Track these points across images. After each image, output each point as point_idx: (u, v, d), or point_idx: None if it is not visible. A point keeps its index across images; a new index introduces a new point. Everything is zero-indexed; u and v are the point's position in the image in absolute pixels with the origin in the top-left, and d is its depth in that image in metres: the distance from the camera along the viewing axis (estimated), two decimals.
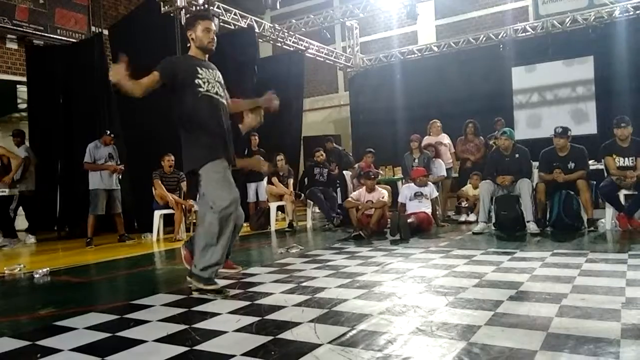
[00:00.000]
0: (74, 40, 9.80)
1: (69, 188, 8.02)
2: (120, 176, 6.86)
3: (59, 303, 3.28)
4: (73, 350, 2.25)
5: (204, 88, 3.10)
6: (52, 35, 9.67)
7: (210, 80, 3.16)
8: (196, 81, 3.08)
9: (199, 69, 3.12)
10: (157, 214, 6.84)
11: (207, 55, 3.27)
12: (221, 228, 3.06)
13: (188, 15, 3.34)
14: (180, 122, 3.16)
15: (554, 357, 1.85)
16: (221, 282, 3.53)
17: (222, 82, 3.30)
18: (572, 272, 3.29)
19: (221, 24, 8.16)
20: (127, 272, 4.72)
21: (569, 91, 9.88)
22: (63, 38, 9.79)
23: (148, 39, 7.72)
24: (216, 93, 3.18)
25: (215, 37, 3.22)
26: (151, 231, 6.86)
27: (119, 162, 6.86)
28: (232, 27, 8.74)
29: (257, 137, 8.01)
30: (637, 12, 9.14)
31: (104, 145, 6.71)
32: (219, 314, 2.72)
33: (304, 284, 3.38)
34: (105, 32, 9.31)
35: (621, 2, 9.51)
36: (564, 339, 2.05)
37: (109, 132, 6.80)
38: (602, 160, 5.62)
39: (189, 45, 3.30)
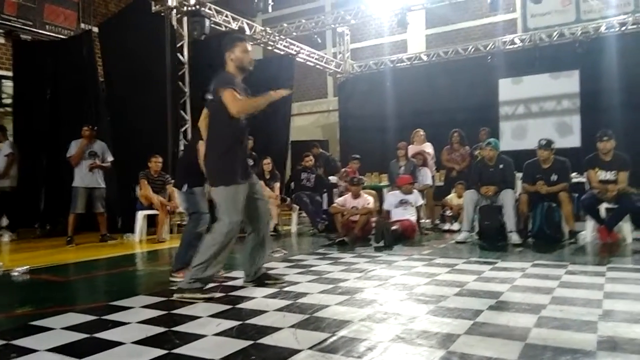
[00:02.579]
0: (62, 36, 9.71)
1: (53, 185, 7.92)
2: (100, 172, 6.74)
3: (36, 302, 3.24)
4: (49, 350, 2.22)
5: (243, 115, 3.26)
6: (40, 31, 9.56)
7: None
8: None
9: (240, 90, 3.24)
10: (141, 214, 6.77)
11: (243, 76, 3.37)
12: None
13: (226, 37, 3.45)
14: (220, 137, 3.26)
15: None
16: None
17: None
18: (552, 284, 3.33)
19: (212, 25, 8.14)
20: (107, 272, 4.67)
21: (554, 104, 10.03)
22: (52, 34, 9.69)
23: (138, 37, 7.70)
24: (246, 118, 3.33)
25: (252, 58, 3.38)
26: (134, 232, 6.79)
27: (107, 160, 6.78)
28: (223, 29, 8.73)
29: (251, 141, 7.99)
30: (623, 28, 9.32)
31: (87, 140, 6.61)
32: (199, 317, 2.70)
33: (286, 288, 3.38)
34: (95, 29, 9.24)
35: (608, 17, 9.70)
36: (541, 349, 2.07)
37: (89, 126, 6.70)
38: (585, 173, 5.70)
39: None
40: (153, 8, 7.65)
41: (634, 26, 9.26)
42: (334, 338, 2.29)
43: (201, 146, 3.56)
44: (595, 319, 2.48)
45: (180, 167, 4.14)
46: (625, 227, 5.31)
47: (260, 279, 3.50)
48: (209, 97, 3.30)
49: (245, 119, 3.31)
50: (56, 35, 9.69)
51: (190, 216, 3.89)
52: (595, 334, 2.25)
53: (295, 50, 10.78)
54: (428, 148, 7.94)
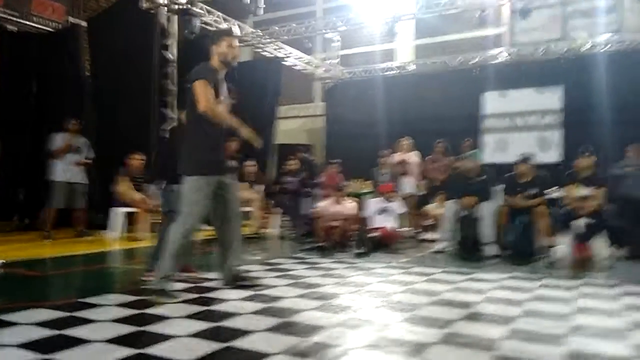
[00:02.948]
0: (50, 29, 9.59)
1: (34, 178, 7.79)
2: (82, 168, 6.67)
3: (8, 296, 3.19)
4: (16, 346, 2.20)
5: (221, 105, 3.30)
6: (27, 22, 9.42)
7: (225, 100, 3.37)
8: (221, 98, 3.29)
9: (220, 87, 3.30)
10: (120, 211, 6.70)
11: (226, 70, 3.40)
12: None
13: (213, 31, 3.53)
14: (199, 126, 3.26)
15: None
16: (177, 286, 3.51)
17: (228, 95, 3.48)
18: (525, 296, 3.37)
19: (201, 24, 8.12)
20: (82, 268, 4.62)
21: (537, 118, 10.17)
22: (39, 26, 9.56)
23: (127, 34, 7.65)
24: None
25: (238, 53, 3.44)
26: (112, 228, 6.71)
27: (89, 157, 6.71)
28: (213, 29, 8.70)
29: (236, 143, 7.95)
30: (607, 46, 9.51)
31: (70, 134, 6.53)
32: (172, 317, 2.69)
33: (262, 292, 3.37)
34: (84, 23, 9.14)
35: (593, 36, 9.89)
36: None
37: (71, 119, 6.62)
38: (564, 188, 5.79)
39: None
40: (143, 5, 7.60)
41: (618, 45, 9.46)
42: (307, 343, 2.29)
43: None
44: (565, 333, 2.52)
45: (159, 160, 3.99)
46: (600, 243, 5.40)
47: (234, 280, 3.48)
48: (188, 85, 3.31)
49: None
50: (43, 27, 9.56)
51: (166, 214, 3.80)
52: (564, 348, 2.28)
53: (284, 54, 10.79)
54: (413, 157, 8.00)
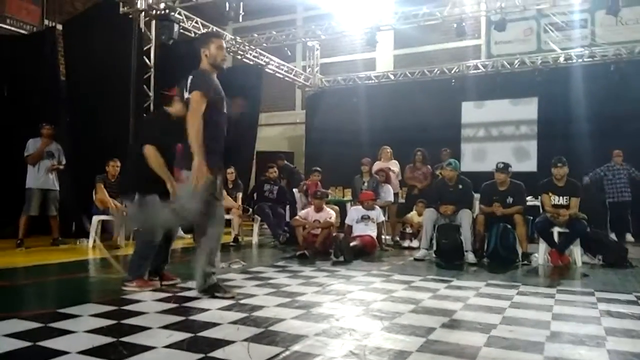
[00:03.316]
0: (24, 32, 9.40)
1: (5, 185, 7.59)
2: (55, 174, 6.53)
3: None
4: None
5: (224, 108, 3.35)
6: (1, 25, 9.23)
7: (225, 99, 3.38)
8: (224, 102, 3.33)
9: (221, 92, 3.33)
10: (96, 219, 6.57)
11: (216, 73, 3.40)
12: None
13: (201, 34, 3.54)
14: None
15: None
16: (156, 295, 3.45)
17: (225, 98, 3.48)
18: (504, 304, 3.41)
19: (180, 31, 8.07)
20: (57, 278, 4.51)
21: (513, 129, 10.38)
22: (13, 28, 9.36)
23: (104, 38, 7.56)
24: (227, 111, 3.42)
25: (226, 55, 3.48)
26: (88, 237, 6.58)
27: (62, 162, 6.58)
28: (192, 35, 8.66)
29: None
30: (580, 60, 9.78)
31: (47, 139, 6.40)
32: (149, 328, 2.63)
33: (242, 301, 3.33)
34: (59, 26, 9.00)
35: (567, 49, 10.16)
36: None
37: (45, 124, 6.49)
38: (539, 197, 5.90)
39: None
40: (121, 9, 7.53)
41: (590, 59, 9.74)
42: (287, 353, 2.27)
43: (148, 150, 3.56)
44: (542, 339, 2.55)
45: (133, 171, 3.80)
46: (576, 251, 5.51)
47: (209, 290, 3.41)
48: (187, 95, 3.28)
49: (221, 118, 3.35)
50: (18, 30, 9.38)
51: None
52: (542, 355, 2.31)
53: (264, 61, 10.80)
54: (394, 166, 8.06)
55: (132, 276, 3.63)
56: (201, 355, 2.20)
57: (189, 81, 3.25)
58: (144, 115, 3.59)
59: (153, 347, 2.30)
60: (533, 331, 2.72)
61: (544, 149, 9.55)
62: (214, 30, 8.64)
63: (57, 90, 7.91)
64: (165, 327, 2.66)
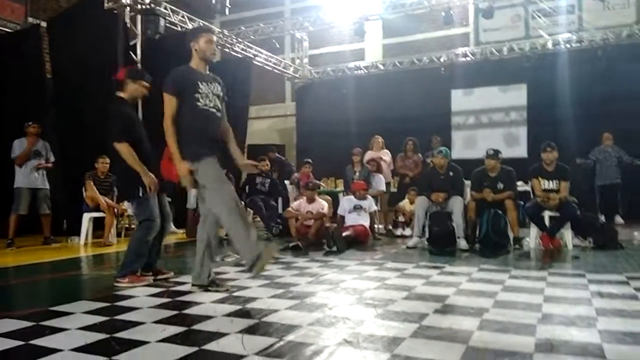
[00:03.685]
0: (8, 30, 9.25)
1: None
2: (44, 173, 6.48)
3: None
4: None
5: (202, 102, 3.28)
6: None
7: (209, 94, 3.32)
8: (196, 95, 3.26)
9: (199, 83, 3.29)
10: (87, 216, 6.53)
11: (207, 66, 3.43)
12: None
13: (191, 28, 3.58)
14: (181, 118, 3.29)
15: None
16: (149, 291, 3.44)
17: (221, 94, 3.44)
18: (496, 288, 3.43)
19: (167, 25, 7.99)
20: (49, 276, 4.47)
21: (502, 115, 10.42)
22: None
23: (89, 34, 7.46)
24: (213, 107, 3.34)
25: (215, 49, 3.42)
26: (79, 234, 6.54)
27: (50, 160, 6.53)
28: (178, 29, 8.58)
29: None
30: (568, 45, 9.81)
31: (33, 138, 6.34)
32: (143, 323, 2.62)
33: (235, 293, 3.33)
34: (44, 24, 8.88)
35: (554, 34, 10.18)
36: (482, 352, 2.13)
37: (30, 123, 6.42)
38: (530, 182, 5.94)
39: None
40: (106, 5, 7.44)
41: (578, 44, 9.77)
42: (281, 343, 2.28)
43: (120, 148, 3.54)
44: (534, 322, 2.58)
45: (128, 171, 3.64)
46: (566, 234, 5.56)
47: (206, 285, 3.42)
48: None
49: (212, 109, 3.33)
50: (2, 28, 9.23)
51: (140, 223, 3.72)
52: (534, 337, 2.33)
53: (252, 54, 10.73)
54: (385, 155, 8.06)
55: (125, 272, 3.62)
56: (195, 349, 2.20)
57: (165, 79, 3.31)
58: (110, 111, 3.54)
59: (147, 342, 2.29)
60: (525, 314, 2.74)
61: (534, 135, 9.61)
62: (204, 24, 8.56)
63: (43, 88, 7.83)
64: (159, 321, 2.65)
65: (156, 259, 3.91)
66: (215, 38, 3.43)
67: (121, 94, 3.74)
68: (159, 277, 3.83)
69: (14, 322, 2.66)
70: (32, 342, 2.32)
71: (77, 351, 2.19)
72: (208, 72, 3.45)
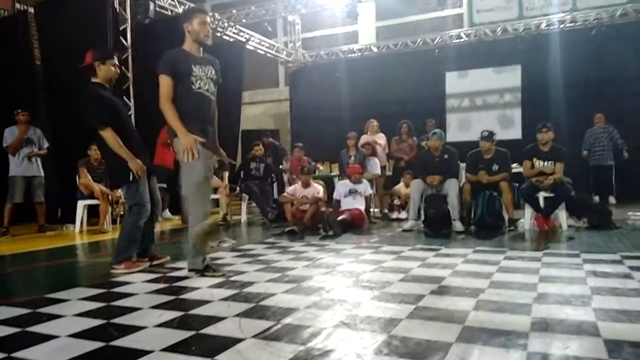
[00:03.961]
0: None
1: None
2: (38, 160, 6.43)
3: None
4: None
5: (196, 85, 3.26)
6: None
7: (203, 77, 3.29)
8: (191, 78, 3.23)
9: (193, 66, 3.25)
10: (81, 204, 6.50)
11: (201, 48, 3.38)
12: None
13: (184, 9, 3.50)
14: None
15: (468, 349, 1.94)
16: (145, 276, 3.44)
17: (215, 77, 3.42)
18: (491, 269, 3.45)
19: (157, 9, 7.88)
20: (44, 264, 4.47)
21: (497, 97, 10.40)
22: None
23: (78, 20, 7.34)
24: (207, 90, 3.33)
25: (210, 30, 3.31)
26: (74, 222, 6.52)
27: (43, 147, 6.47)
28: (168, 13, 8.46)
29: None
30: (562, 26, 9.75)
31: (23, 126, 6.28)
32: (140, 308, 2.63)
33: (232, 278, 3.34)
34: (31, 10, 8.72)
35: (549, 15, 10.12)
36: (478, 331, 2.15)
37: (19, 110, 6.35)
38: (523, 163, 5.94)
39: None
40: None
41: (572, 24, 9.71)
42: (279, 326, 2.28)
43: (105, 134, 3.51)
44: (529, 301, 2.60)
45: (116, 157, 3.58)
46: (561, 215, 5.58)
47: (201, 270, 3.43)
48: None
49: (206, 92, 3.32)
50: None
51: (130, 208, 3.69)
52: (529, 316, 2.35)
53: (245, 38, 10.62)
54: (380, 139, 8.04)
55: (120, 259, 3.61)
56: (193, 332, 2.21)
57: (158, 62, 3.28)
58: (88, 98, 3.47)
59: (144, 327, 2.30)
60: (520, 294, 2.76)
61: (528, 116, 9.60)
62: (197, 6, 8.45)
63: (33, 75, 7.72)
64: (156, 307, 2.66)
65: (151, 244, 3.91)
66: (209, 19, 3.38)
67: (95, 80, 3.66)
68: (155, 262, 3.83)
69: (11, 310, 2.66)
70: (29, 329, 2.32)
71: (74, 337, 2.19)
72: (202, 55, 3.40)
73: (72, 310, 2.62)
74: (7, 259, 4.68)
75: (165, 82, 3.20)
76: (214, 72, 3.40)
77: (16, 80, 7.54)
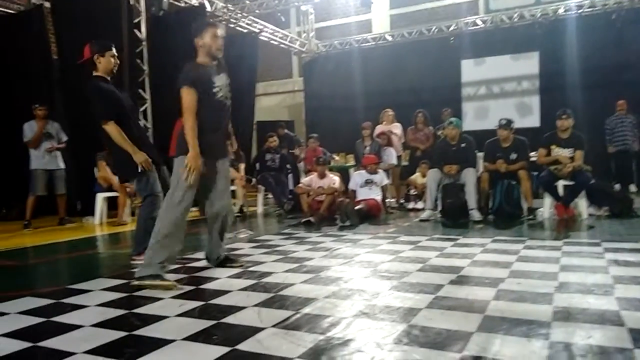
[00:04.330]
0: (11, 11, 9.20)
1: (7, 168, 7.60)
2: (58, 153, 6.52)
3: None
4: (4, 335, 2.15)
5: (218, 96, 3.23)
6: None
7: (222, 87, 3.27)
8: (214, 90, 3.20)
9: (212, 78, 3.21)
10: (100, 196, 6.59)
11: (214, 61, 3.29)
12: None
13: (196, 23, 3.37)
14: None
15: (489, 339, 1.92)
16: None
17: (228, 81, 3.37)
18: (510, 258, 3.42)
19: (170, 1, 7.89)
20: (66, 255, 4.54)
21: (514, 85, 10.24)
22: (0, 8, 9.17)
23: (93, 13, 7.39)
24: (226, 97, 3.31)
25: (222, 44, 3.25)
26: (93, 214, 6.61)
27: (62, 140, 6.56)
28: (182, 5, 8.47)
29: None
30: (580, 10, 9.55)
31: (42, 121, 6.36)
32: (161, 298, 2.66)
33: (251, 268, 3.36)
34: (47, 4, 8.80)
35: (566, 0, 9.91)
36: (499, 321, 2.13)
37: (37, 105, 6.43)
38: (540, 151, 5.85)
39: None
40: None
41: (591, 9, 9.51)
42: (298, 315, 2.29)
43: (109, 127, 3.47)
44: (551, 290, 2.57)
45: (121, 150, 3.55)
46: (581, 204, 5.51)
47: (221, 262, 3.46)
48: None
49: (225, 100, 3.29)
50: (5, 10, 9.17)
51: (144, 199, 3.66)
52: (551, 305, 2.32)
53: (258, 29, 10.60)
54: (396, 128, 7.99)
55: (139, 250, 3.65)
56: (214, 322, 2.23)
57: (178, 77, 3.20)
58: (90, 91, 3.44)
59: (166, 317, 2.33)
60: (541, 283, 2.73)
61: (547, 104, 9.44)
62: (208, 20, 8.44)
63: (50, 69, 7.80)
64: (177, 297, 2.69)
65: (143, 243, 3.88)
66: (221, 32, 3.25)
67: (96, 73, 3.64)
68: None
69: (36, 300, 2.71)
70: (54, 319, 2.37)
71: (98, 327, 2.23)
72: (214, 63, 3.30)
73: (95, 300, 2.67)
74: (30, 251, 4.78)
75: (190, 95, 3.10)
76: (226, 77, 3.35)
77: (33, 74, 7.64)
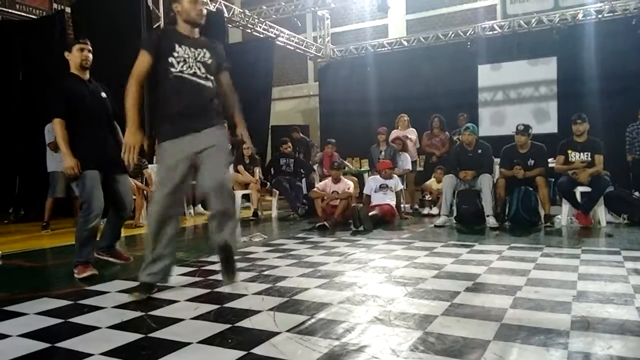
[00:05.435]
0: (33, 16, 9.40)
1: (27, 170, 7.73)
2: None
3: (10, 288, 3.17)
4: (21, 336, 2.18)
5: (176, 68, 2.76)
6: (10, 10, 9.23)
7: (188, 59, 2.79)
8: (169, 60, 2.76)
9: (177, 46, 2.78)
10: None
11: (196, 30, 2.90)
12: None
13: None
14: (152, 95, 2.96)
15: (506, 347, 1.90)
16: (180, 270, 3.49)
17: (209, 62, 2.88)
18: (528, 266, 3.38)
19: None
20: None
21: (532, 90, 10.13)
22: (22, 14, 9.37)
23: (112, 18, 7.51)
24: (193, 74, 2.81)
25: (204, 9, 2.92)
26: None
27: None
28: None
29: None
30: (599, 16, 9.43)
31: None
32: (176, 301, 2.68)
33: (265, 272, 3.37)
34: (68, 9, 8.97)
35: (585, 5, 9.80)
36: (516, 329, 2.10)
37: None
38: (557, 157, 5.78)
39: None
40: None
41: (610, 14, 9.38)
42: (313, 320, 2.29)
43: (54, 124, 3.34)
44: (569, 299, 2.53)
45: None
46: (600, 211, 5.42)
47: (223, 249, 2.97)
48: None
49: (190, 77, 2.80)
50: (27, 15, 9.38)
51: (81, 208, 3.45)
52: (569, 314, 2.29)
53: (274, 34, 10.66)
54: (411, 134, 7.97)
55: (75, 262, 3.45)
56: (229, 326, 2.23)
57: None
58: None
59: (181, 320, 2.34)
60: (559, 291, 2.69)
61: (565, 110, 9.30)
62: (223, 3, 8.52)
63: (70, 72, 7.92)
64: (192, 299, 2.70)
65: (114, 241, 3.84)
66: None
67: (70, 71, 3.61)
68: (117, 260, 3.77)
69: (53, 301, 2.74)
70: (72, 320, 2.40)
71: (114, 328, 2.25)
72: (199, 37, 2.92)
73: (112, 302, 2.69)
74: (48, 252, 4.84)
75: (140, 58, 2.76)
76: (208, 55, 2.87)
77: (54, 78, 7.74)
